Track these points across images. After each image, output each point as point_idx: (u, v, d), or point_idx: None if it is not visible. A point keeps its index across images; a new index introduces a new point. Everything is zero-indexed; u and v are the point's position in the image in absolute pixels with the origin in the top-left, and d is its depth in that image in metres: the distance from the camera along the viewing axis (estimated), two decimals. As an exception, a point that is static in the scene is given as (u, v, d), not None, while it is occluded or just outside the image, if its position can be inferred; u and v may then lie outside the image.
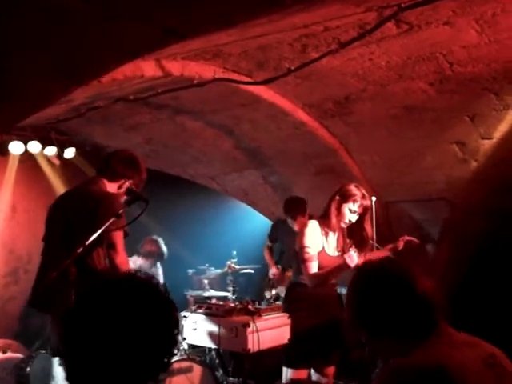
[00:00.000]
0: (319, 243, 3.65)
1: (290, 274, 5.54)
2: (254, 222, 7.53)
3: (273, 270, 5.83)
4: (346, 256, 3.38)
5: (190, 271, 5.98)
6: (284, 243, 5.73)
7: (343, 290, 5.17)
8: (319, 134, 5.13)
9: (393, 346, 1.67)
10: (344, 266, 3.41)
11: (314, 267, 3.56)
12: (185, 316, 4.78)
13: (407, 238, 3.97)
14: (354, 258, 3.36)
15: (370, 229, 3.73)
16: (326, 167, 5.69)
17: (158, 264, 5.66)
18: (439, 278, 5.31)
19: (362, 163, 5.47)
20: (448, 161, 4.94)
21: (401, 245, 3.92)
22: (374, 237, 3.87)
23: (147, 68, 3.69)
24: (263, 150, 5.76)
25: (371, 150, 5.26)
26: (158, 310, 1.36)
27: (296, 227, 5.21)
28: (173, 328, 1.38)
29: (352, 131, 5.06)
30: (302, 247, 3.59)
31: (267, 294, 5.68)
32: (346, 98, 4.53)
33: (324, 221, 3.67)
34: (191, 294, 5.38)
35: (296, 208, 5.30)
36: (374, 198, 3.77)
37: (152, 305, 1.35)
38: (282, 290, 5.59)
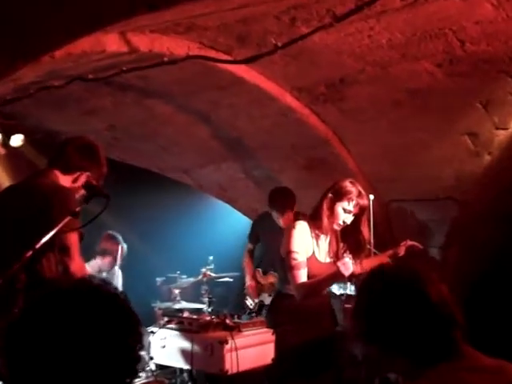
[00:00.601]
0: (309, 248, 3.65)
1: (271, 279, 5.58)
2: (234, 223, 7.54)
3: (248, 282, 5.82)
4: (339, 263, 3.38)
5: (159, 280, 5.97)
6: (266, 242, 5.72)
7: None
8: (309, 121, 5.14)
9: (405, 366, 1.68)
10: (337, 275, 3.42)
11: (302, 276, 3.56)
12: (152, 332, 4.75)
13: (409, 242, 4.00)
14: (348, 265, 3.36)
15: (367, 232, 3.76)
16: (317, 160, 5.70)
17: (118, 269, 5.62)
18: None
19: (359, 156, 5.48)
20: (458, 154, 4.97)
21: (402, 251, 3.97)
22: (372, 241, 3.90)
23: (110, 42, 3.64)
24: (244, 139, 5.76)
25: (369, 141, 5.27)
26: (117, 322, 1.34)
27: (282, 223, 5.21)
28: (135, 343, 1.37)
29: (347, 119, 5.07)
30: (289, 252, 3.58)
31: (249, 303, 5.68)
32: (340, 80, 4.54)
33: (314, 222, 3.67)
34: (159, 306, 5.37)
35: (284, 200, 5.26)
36: (371, 197, 3.79)
37: (110, 317, 1.34)
38: (265, 297, 5.60)
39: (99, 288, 1.39)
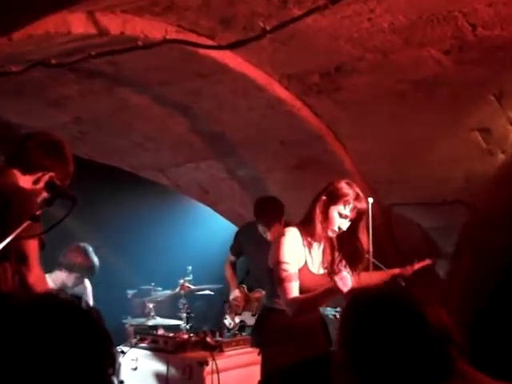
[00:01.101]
0: (300, 257, 3.64)
1: (257, 295, 5.57)
2: (216, 229, 7.55)
3: (235, 293, 5.81)
4: (337, 278, 3.35)
5: (130, 292, 5.95)
6: (252, 256, 5.72)
7: (328, 311, 5.21)
8: (301, 115, 5.14)
9: None
10: (334, 290, 3.38)
11: (294, 289, 3.54)
12: (122, 351, 4.76)
13: (418, 265, 4.04)
14: (347, 280, 3.33)
15: (366, 239, 3.74)
16: (309, 159, 5.70)
17: (86, 281, 5.58)
18: (456, 302, 5.42)
19: (356, 154, 5.49)
20: (467, 152, 4.98)
21: (408, 272, 4.04)
22: (371, 249, 3.89)
23: (76, 23, 3.62)
24: (228, 134, 5.75)
25: (368, 137, 5.28)
26: (87, 343, 1.33)
27: (269, 236, 5.23)
28: (106, 367, 1.36)
29: (344, 112, 5.07)
30: (279, 263, 3.56)
31: (227, 322, 5.67)
32: (336, 69, 4.54)
33: (306, 228, 3.66)
34: (131, 322, 5.38)
35: (270, 213, 5.28)
36: (370, 200, 3.79)
37: (78, 337, 1.32)
38: (248, 317, 5.59)
39: (67, 304, 1.37)
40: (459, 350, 1.69)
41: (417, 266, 4.08)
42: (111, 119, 5.70)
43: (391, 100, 4.74)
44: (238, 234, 5.98)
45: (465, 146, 4.94)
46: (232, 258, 5.96)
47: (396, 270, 4.04)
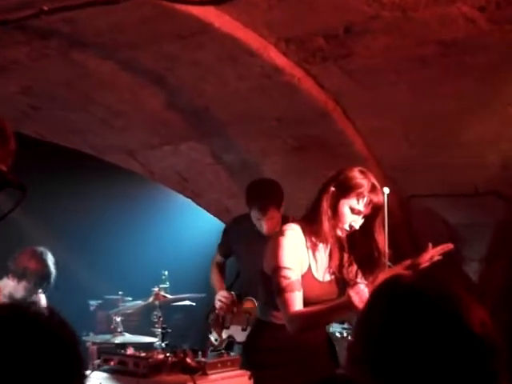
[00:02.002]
0: (304, 261, 3.65)
1: (248, 305, 5.55)
2: (198, 227, 7.59)
3: (221, 293, 5.76)
4: (351, 292, 3.34)
5: (93, 304, 5.95)
6: (243, 256, 5.70)
7: (334, 328, 5.20)
8: (302, 86, 5.12)
9: None
10: (347, 306, 3.38)
11: (297, 301, 3.54)
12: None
13: (434, 249, 3.98)
14: (364, 294, 3.31)
15: (383, 240, 3.75)
16: (311, 139, 5.71)
17: (40, 291, 5.57)
18: (489, 312, 5.41)
19: (370, 134, 5.49)
20: (505, 132, 5.00)
21: (424, 260, 3.94)
22: (387, 251, 3.88)
23: (24, -30, 3.60)
24: (213, 110, 5.73)
25: (384, 114, 5.28)
26: (55, 365, 1.36)
27: (265, 227, 5.19)
28: None
29: (354, 84, 5.05)
30: (278, 269, 3.57)
31: (213, 338, 5.67)
32: (346, 30, 4.50)
33: (311, 226, 3.68)
34: (93, 339, 5.40)
35: (267, 194, 5.24)
36: (386, 190, 3.77)
37: (42, 356, 1.35)
38: (237, 332, 5.58)
39: (27, 315, 1.40)
40: (506, 367, 1.66)
41: (434, 251, 3.99)
42: (68, 90, 5.67)
43: (412, 68, 4.73)
44: (226, 230, 5.95)
45: (502, 123, 4.95)
46: (219, 258, 5.92)
47: (407, 262, 3.99)
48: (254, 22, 4.57)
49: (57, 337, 1.39)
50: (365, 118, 5.41)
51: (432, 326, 1.65)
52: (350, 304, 3.33)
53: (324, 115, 5.36)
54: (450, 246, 3.97)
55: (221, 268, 5.95)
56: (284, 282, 3.53)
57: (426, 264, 3.92)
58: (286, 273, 3.54)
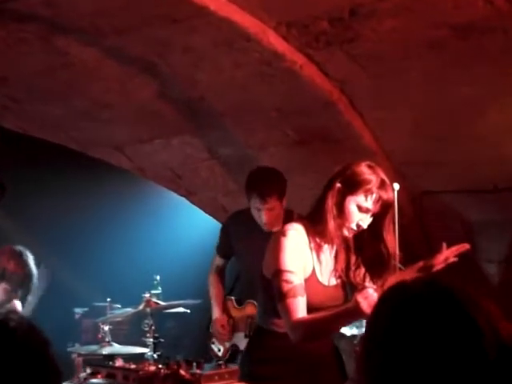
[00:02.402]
0: (307, 264, 3.65)
1: (250, 312, 5.55)
2: (192, 227, 7.57)
3: (218, 323, 5.76)
4: (359, 297, 3.31)
5: (79, 311, 5.95)
6: (243, 255, 5.68)
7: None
8: (304, 74, 5.12)
9: None
10: (356, 312, 3.35)
11: (300, 307, 3.53)
12: (68, 389, 4.75)
13: (449, 250, 3.98)
14: (373, 299, 3.30)
15: (393, 240, 3.74)
16: (314, 132, 5.71)
17: (15, 301, 5.57)
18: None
19: (378, 126, 5.50)
20: (526, 122, 5.00)
21: (438, 262, 3.95)
22: (397, 252, 3.87)
23: None
24: (208, 101, 5.73)
25: (394, 104, 5.28)
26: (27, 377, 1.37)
27: (265, 217, 5.18)
28: None
29: (361, 70, 5.05)
30: (280, 272, 3.56)
31: (216, 348, 5.66)
32: (351, 12, 4.49)
33: (315, 225, 3.68)
34: (79, 350, 5.39)
35: (268, 181, 5.22)
36: (396, 186, 3.76)
37: (16, 369, 1.37)
38: (240, 339, 5.60)
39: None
40: None
41: (449, 252, 3.99)
42: (49, 79, 5.65)
43: (424, 53, 4.72)
44: (225, 227, 5.91)
45: (523, 113, 4.94)
46: (219, 261, 5.88)
47: (419, 264, 3.99)
48: (252, 4, 4.56)
49: (24, 346, 1.39)
50: (373, 109, 5.40)
51: (440, 334, 1.65)
52: (358, 310, 3.30)
53: (328, 105, 5.35)
54: (466, 246, 3.97)
55: (221, 274, 5.91)
56: (286, 287, 3.52)
57: (441, 266, 3.93)
58: (287, 277, 3.53)
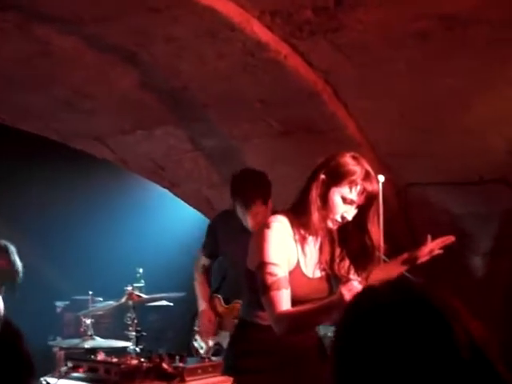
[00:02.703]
0: (291, 256, 3.64)
1: (238, 309, 5.53)
2: (176, 219, 7.59)
3: (202, 307, 5.74)
4: (343, 289, 3.31)
5: (60, 305, 5.92)
6: (230, 256, 5.66)
7: (325, 329, 5.19)
8: (289, 64, 5.11)
9: None
10: (340, 304, 3.31)
11: (284, 300, 3.52)
12: (48, 384, 4.71)
13: (434, 242, 3.98)
14: (357, 291, 3.29)
15: (377, 231, 3.74)
16: (299, 123, 5.72)
17: (3, 289, 5.56)
18: (497, 311, 5.41)
19: (363, 117, 5.50)
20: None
21: (423, 254, 3.96)
22: (382, 245, 3.87)
23: None
24: (191, 91, 5.72)
25: (379, 94, 5.27)
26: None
27: (250, 223, 5.18)
28: None
29: (346, 61, 5.04)
30: (263, 265, 3.55)
31: (198, 345, 5.65)
32: (336, 1, 4.49)
33: (299, 217, 3.67)
34: (61, 344, 5.34)
35: (252, 188, 5.21)
36: (381, 178, 3.76)
37: None
38: (225, 338, 5.58)
39: None
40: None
41: (433, 245, 4.00)
42: (28, 69, 5.62)
43: (410, 43, 4.71)
44: (212, 225, 5.89)
45: (508, 104, 4.95)
46: (205, 260, 5.85)
47: (403, 257, 3.99)
48: (236, -9, 4.58)
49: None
50: (358, 100, 5.40)
51: (410, 339, 1.61)
52: (342, 302, 3.28)
53: (312, 96, 5.35)
54: (451, 238, 3.99)
55: (206, 273, 5.88)
56: (270, 280, 3.51)
57: (425, 258, 3.95)
58: (272, 269, 3.52)
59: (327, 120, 5.51)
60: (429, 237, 3.96)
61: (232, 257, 5.57)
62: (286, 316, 3.51)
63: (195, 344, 5.72)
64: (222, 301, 5.79)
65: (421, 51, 4.76)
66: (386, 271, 3.89)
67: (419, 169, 5.64)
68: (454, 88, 4.98)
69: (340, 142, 5.26)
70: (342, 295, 3.28)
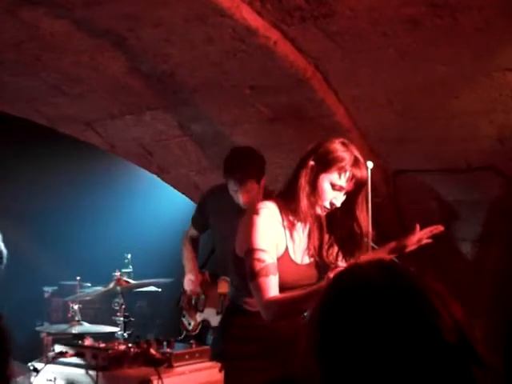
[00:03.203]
0: (280, 242, 3.66)
1: (223, 288, 5.54)
2: (164, 205, 7.56)
3: (189, 277, 5.77)
4: (331, 275, 3.27)
5: (47, 290, 5.92)
6: (219, 230, 5.67)
7: None
8: (278, 50, 5.09)
9: None
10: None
11: (272, 286, 3.54)
12: (35, 369, 4.72)
13: (422, 231, 3.99)
14: None
15: (366, 218, 3.76)
16: (288, 109, 5.70)
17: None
18: (485, 297, 5.42)
19: (353, 103, 5.49)
20: (501, 101, 5.00)
21: (412, 242, 3.97)
22: (370, 231, 3.88)
23: None
24: (180, 76, 5.70)
25: (368, 81, 5.27)
26: None
27: (242, 199, 5.15)
28: None
29: (336, 47, 5.03)
30: (252, 251, 3.56)
31: (186, 321, 5.66)
32: (326, -14, 4.49)
33: (288, 203, 3.68)
34: (48, 330, 5.36)
35: (246, 163, 5.19)
36: (370, 164, 3.77)
37: None
38: (211, 315, 5.58)
39: None
40: (485, 370, 1.60)
41: (422, 233, 4.01)
42: (17, 53, 5.58)
43: (400, 29, 4.70)
44: (203, 200, 5.90)
45: (499, 92, 4.94)
46: (193, 232, 5.89)
47: (392, 245, 4.00)
48: (225, -24, 4.55)
49: None
50: (348, 86, 5.39)
51: (387, 329, 1.59)
52: None
53: (302, 82, 5.33)
54: (440, 228, 3.99)
55: (194, 243, 5.92)
56: (258, 266, 3.52)
57: (413, 247, 3.95)
58: (260, 255, 3.53)
59: (316, 106, 5.49)
60: (417, 226, 3.97)
61: (221, 232, 5.58)
62: (274, 302, 3.52)
63: (184, 320, 5.74)
64: (209, 277, 5.80)
65: (410, 38, 4.75)
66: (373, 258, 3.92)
67: (408, 156, 5.63)
68: (443, 75, 4.97)
69: (329, 129, 5.26)
70: (328, 279, 3.30)
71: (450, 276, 5.69)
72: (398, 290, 1.63)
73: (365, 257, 3.87)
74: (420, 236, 3.95)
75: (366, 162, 3.69)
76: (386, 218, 5.63)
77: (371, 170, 3.75)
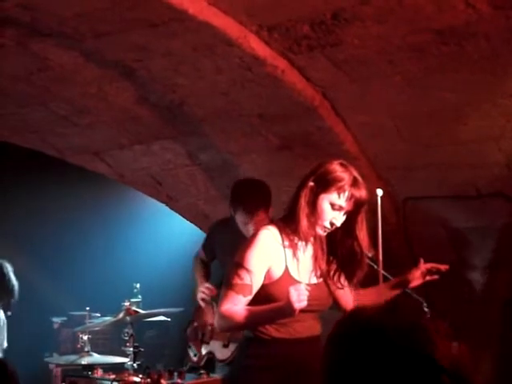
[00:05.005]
0: (277, 264, 3.70)
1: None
2: (173, 234, 7.54)
3: (203, 285, 5.69)
4: (292, 289, 3.41)
5: (57, 321, 5.91)
6: (225, 266, 5.62)
7: None
8: (286, 79, 5.11)
9: None
10: (284, 308, 3.46)
11: (236, 303, 3.62)
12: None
13: (426, 265, 4.03)
14: (302, 293, 3.40)
15: (366, 237, 3.79)
16: (297, 137, 5.71)
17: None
18: (494, 325, 5.39)
19: (361, 131, 5.49)
20: (509, 128, 4.99)
21: (415, 276, 4.03)
22: (380, 259, 3.88)
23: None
24: (188, 106, 5.71)
25: (376, 109, 5.28)
26: None
27: (253, 230, 5.08)
28: None
29: (343, 76, 5.05)
30: (238, 265, 3.68)
31: (192, 353, 5.64)
32: (333, 16, 4.50)
33: (288, 224, 3.73)
34: (57, 361, 5.32)
35: (255, 196, 5.19)
36: (379, 192, 3.80)
37: None
38: (217, 348, 5.55)
39: None
40: None
41: (426, 267, 4.04)
42: (27, 84, 5.60)
43: (407, 57, 4.72)
44: (211, 232, 5.91)
45: (506, 118, 4.94)
46: (203, 256, 5.86)
47: (395, 280, 4.04)
48: (233, 7, 4.55)
49: None
50: (355, 114, 5.40)
51: (391, 366, 1.63)
52: (284, 306, 3.44)
53: (310, 111, 5.34)
54: (445, 266, 4.04)
55: (205, 265, 5.88)
56: (236, 280, 3.64)
57: (418, 282, 4.03)
58: (242, 273, 3.64)
59: (325, 135, 5.50)
60: (421, 260, 4.02)
61: (226, 267, 5.57)
62: (228, 313, 3.62)
63: (189, 351, 5.71)
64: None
65: (417, 65, 4.77)
66: (377, 294, 3.92)
67: (417, 182, 5.62)
68: (451, 102, 4.98)
69: (337, 156, 5.20)
70: (288, 294, 3.40)
71: (460, 304, 5.67)
72: (399, 338, 1.66)
73: (370, 290, 3.96)
74: (423, 270, 3.99)
75: (376, 190, 3.74)
76: (396, 246, 5.62)
77: (381, 197, 3.77)
